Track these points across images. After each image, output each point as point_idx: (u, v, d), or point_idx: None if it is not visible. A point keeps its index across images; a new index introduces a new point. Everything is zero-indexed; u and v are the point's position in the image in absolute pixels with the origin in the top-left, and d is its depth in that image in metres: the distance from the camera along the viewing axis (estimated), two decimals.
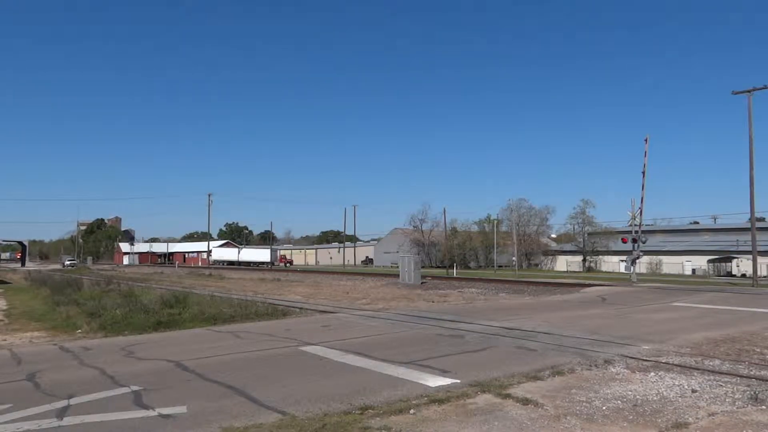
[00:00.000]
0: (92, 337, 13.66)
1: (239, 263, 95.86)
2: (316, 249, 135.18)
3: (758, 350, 10.53)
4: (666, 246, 74.75)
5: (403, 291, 30.54)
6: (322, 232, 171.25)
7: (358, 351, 10.56)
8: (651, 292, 26.72)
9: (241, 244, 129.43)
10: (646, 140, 35.59)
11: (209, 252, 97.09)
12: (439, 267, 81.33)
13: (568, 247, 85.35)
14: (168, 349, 11.33)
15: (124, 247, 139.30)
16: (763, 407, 6.63)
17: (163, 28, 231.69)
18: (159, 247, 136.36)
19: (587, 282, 36.09)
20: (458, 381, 7.99)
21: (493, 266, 74.02)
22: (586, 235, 79.80)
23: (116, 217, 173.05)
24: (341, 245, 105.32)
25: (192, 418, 6.36)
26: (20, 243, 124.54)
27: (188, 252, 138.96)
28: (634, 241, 35.63)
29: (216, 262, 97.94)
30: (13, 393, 7.72)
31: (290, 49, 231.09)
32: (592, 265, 77.43)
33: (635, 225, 35.96)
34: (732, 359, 9.62)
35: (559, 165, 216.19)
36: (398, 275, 39.00)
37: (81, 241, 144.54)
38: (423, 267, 51.78)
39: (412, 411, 6.51)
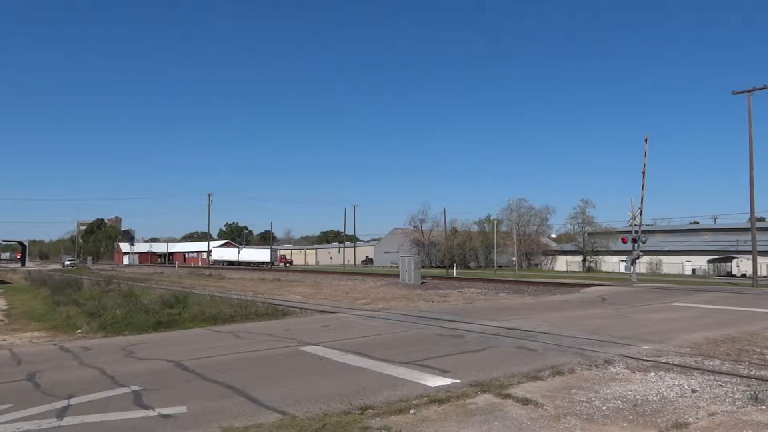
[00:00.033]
0: (92, 337, 13.66)
1: (239, 263, 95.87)
2: (316, 249, 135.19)
3: (758, 350, 10.53)
4: (666, 246, 74.75)
5: (403, 291, 30.54)
6: (322, 232, 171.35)
7: (358, 351, 10.56)
8: (651, 292, 26.72)
9: (241, 244, 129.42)
10: (646, 140, 35.61)
11: (209, 252, 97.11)
12: (439, 267, 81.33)
13: (568, 247, 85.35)
14: (168, 349, 11.33)
15: (124, 247, 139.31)
16: (763, 407, 6.63)
17: (163, 28, 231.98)
18: (159, 247, 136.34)
19: (587, 282, 36.08)
20: (458, 381, 7.99)
21: (493, 266, 74.02)
22: (586, 235, 79.81)
23: (116, 217, 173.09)
24: (341, 245, 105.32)
25: (192, 418, 6.37)
26: (20, 243, 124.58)
27: (188, 252, 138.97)
28: (634, 241, 35.63)
29: (216, 262, 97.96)
30: (13, 393, 7.72)
31: (290, 49, 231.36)
32: (592, 265, 77.43)
33: (635, 225, 35.96)
34: (732, 359, 9.62)
35: (559, 165, 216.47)
36: (398, 275, 39.00)
37: (81, 241, 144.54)
38: (423, 267, 51.78)
39: (412, 411, 6.51)
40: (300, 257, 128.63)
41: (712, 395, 7.20)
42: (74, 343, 12.50)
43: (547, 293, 28.22)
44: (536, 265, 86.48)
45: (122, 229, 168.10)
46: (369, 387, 7.72)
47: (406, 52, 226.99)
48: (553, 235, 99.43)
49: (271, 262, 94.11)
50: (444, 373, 8.56)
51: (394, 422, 6.09)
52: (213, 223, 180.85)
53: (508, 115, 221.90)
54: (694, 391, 7.40)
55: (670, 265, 69.57)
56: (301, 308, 20.08)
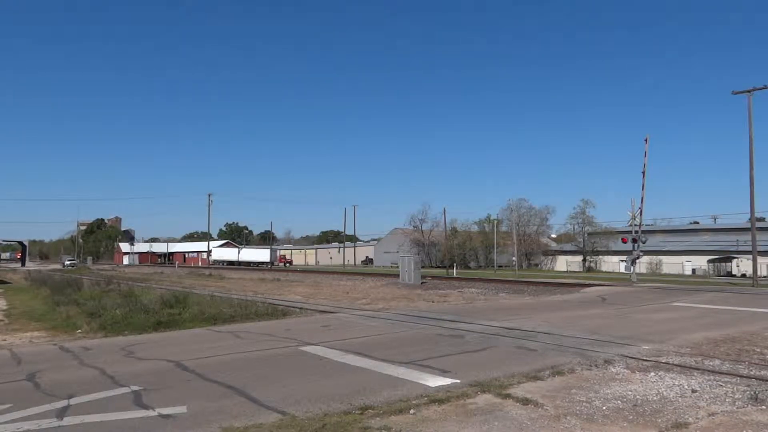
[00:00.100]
0: (92, 337, 13.66)
1: (239, 263, 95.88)
2: (316, 249, 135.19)
3: (758, 350, 10.53)
4: (666, 246, 74.75)
5: (403, 291, 30.54)
6: (322, 232, 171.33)
7: (358, 351, 10.56)
8: (651, 292, 26.72)
9: (241, 244, 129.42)
10: (646, 140, 35.61)
11: (209, 252, 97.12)
12: (439, 267, 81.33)
13: (568, 247, 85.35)
14: (168, 349, 11.33)
15: (124, 247, 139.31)
16: (763, 407, 6.63)
17: (163, 28, 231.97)
18: (159, 247, 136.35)
19: (587, 282, 36.08)
20: (458, 381, 7.99)
21: (493, 266, 74.02)
22: (586, 235, 79.81)
23: (116, 217, 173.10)
24: (341, 245, 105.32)
25: (192, 418, 6.37)
26: (20, 243, 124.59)
27: (188, 252, 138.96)
28: (634, 241, 35.63)
29: (216, 262, 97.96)
30: (13, 393, 7.72)
31: (290, 49, 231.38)
32: (592, 265, 77.43)
33: (635, 225, 35.96)
34: (732, 359, 9.62)
35: (559, 165, 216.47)
36: (398, 275, 39.00)
37: (81, 241, 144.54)
38: (423, 267, 51.77)
39: (412, 411, 6.51)
40: (300, 257, 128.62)
41: (712, 395, 7.20)
42: (74, 343, 12.50)
43: (547, 293, 28.22)
44: (536, 265, 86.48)
45: (122, 229, 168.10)
46: (369, 387, 7.72)
47: (406, 52, 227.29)
48: (553, 235, 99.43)
49: (271, 262, 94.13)
50: (444, 373, 8.56)
51: (394, 422, 6.09)
52: (213, 223, 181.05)
53: (508, 115, 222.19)
54: (694, 391, 7.40)
55: (670, 265, 69.57)
56: (301, 308, 20.08)
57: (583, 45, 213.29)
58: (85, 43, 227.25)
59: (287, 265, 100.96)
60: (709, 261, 67.86)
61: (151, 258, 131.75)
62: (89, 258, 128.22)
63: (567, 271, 71.48)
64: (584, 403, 6.82)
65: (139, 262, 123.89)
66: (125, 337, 13.45)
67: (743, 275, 56.53)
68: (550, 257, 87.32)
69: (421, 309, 19.63)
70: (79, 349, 11.59)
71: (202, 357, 10.24)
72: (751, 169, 33.95)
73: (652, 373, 8.47)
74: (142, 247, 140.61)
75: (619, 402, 6.90)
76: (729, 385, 7.70)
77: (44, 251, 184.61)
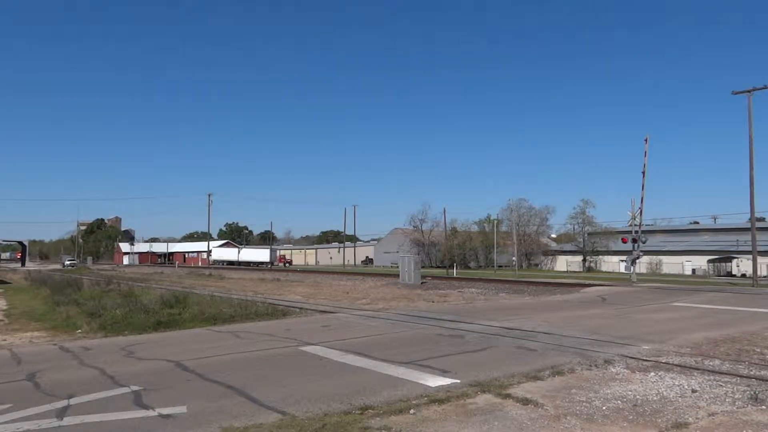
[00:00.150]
0: (92, 337, 13.65)
1: (239, 263, 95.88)
2: (316, 249, 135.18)
3: (758, 350, 10.54)
4: (666, 246, 74.76)
5: (403, 291, 30.54)
6: (322, 232, 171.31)
7: (358, 351, 10.56)
8: (651, 292, 26.72)
9: (241, 244, 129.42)
10: (646, 140, 35.62)
11: (209, 252, 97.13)
12: (439, 267, 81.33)
13: (568, 247, 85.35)
14: (168, 349, 11.33)
15: (124, 247, 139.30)
16: (763, 407, 6.63)
17: (163, 28, 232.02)
18: (159, 247, 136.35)
19: (587, 282, 36.08)
20: (458, 381, 7.99)
21: (493, 266, 74.02)
22: (586, 235, 79.81)
23: (116, 217, 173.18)
24: (341, 245, 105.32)
25: (192, 418, 6.37)
26: (20, 243, 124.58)
27: (188, 252, 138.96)
28: (634, 241, 35.63)
29: (216, 262, 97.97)
30: (13, 393, 7.72)
31: (290, 49, 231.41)
32: (592, 265, 77.43)
33: (635, 225, 35.97)
34: (732, 359, 9.62)
35: (559, 165, 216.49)
36: (398, 275, 39.00)
37: (81, 241, 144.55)
38: (423, 267, 51.78)
39: (412, 411, 6.51)
40: (300, 257, 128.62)
41: (712, 395, 7.20)
42: (74, 343, 12.50)
43: (547, 293, 28.22)
44: (536, 265, 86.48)
45: (122, 229, 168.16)
46: (369, 387, 7.72)
47: (406, 52, 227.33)
48: (553, 235, 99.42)
49: (271, 262, 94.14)
50: (444, 373, 8.56)
51: (394, 422, 6.09)
52: (213, 223, 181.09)
53: (508, 115, 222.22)
54: (694, 391, 7.40)
55: (670, 265, 69.58)
56: (301, 308, 20.08)
57: (583, 45, 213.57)
58: (85, 43, 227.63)
59: (287, 265, 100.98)
60: (709, 261, 67.86)
61: (151, 258, 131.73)
62: (89, 258, 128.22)
63: (567, 271, 71.48)
64: (584, 403, 6.82)
65: (139, 262, 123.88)
66: (125, 337, 13.44)
67: (743, 275, 56.53)
68: (550, 257, 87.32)
69: (421, 309, 19.63)
70: (79, 349, 11.59)
71: (202, 357, 10.24)
72: (751, 169, 33.96)
73: (652, 373, 8.47)
74: (142, 247, 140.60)
75: (619, 402, 6.90)
76: (729, 385, 7.70)
77: (44, 251, 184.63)
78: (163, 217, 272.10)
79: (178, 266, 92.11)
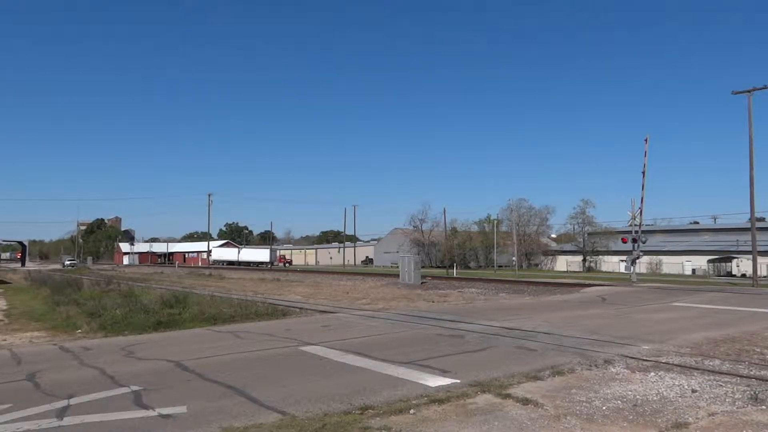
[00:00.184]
0: (92, 337, 13.65)
1: (239, 263, 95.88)
2: (316, 249, 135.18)
3: (758, 350, 10.54)
4: (666, 246, 74.75)
5: (403, 291, 30.54)
6: (322, 232, 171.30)
7: (358, 351, 10.56)
8: (651, 292, 26.72)
9: (241, 244, 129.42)
10: (646, 140, 35.61)
11: (209, 252, 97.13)
12: (439, 267, 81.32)
13: (568, 247, 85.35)
14: (168, 349, 11.33)
15: (124, 247, 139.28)
16: (763, 407, 6.63)
17: (163, 28, 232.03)
18: (159, 247, 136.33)
19: (587, 282, 36.08)
20: (458, 381, 7.99)
21: (493, 266, 74.01)
22: (586, 235, 79.80)
23: (116, 217, 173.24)
24: (341, 245, 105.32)
25: (192, 418, 6.36)
26: (20, 243, 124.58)
27: (188, 252, 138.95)
28: (634, 241, 35.63)
29: (216, 262, 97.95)
30: (13, 393, 7.72)
31: (290, 49, 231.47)
32: (592, 265, 77.43)
33: (635, 225, 35.96)
34: (732, 359, 9.62)
35: (559, 165, 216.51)
36: (398, 275, 39.00)
37: (81, 241, 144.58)
38: (423, 267, 51.77)
39: (412, 411, 6.51)
40: (300, 257, 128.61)
41: (712, 395, 7.20)
42: (74, 343, 12.50)
43: (547, 293, 28.21)
44: (536, 265, 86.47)
45: (122, 229, 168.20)
46: (369, 387, 7.72)
47: (406, 52, 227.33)
48: (553, 235, 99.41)
49: (271, 262, 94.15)
50: (444, 373, 8.56)
51: (394, 422, 6.09)
52: (213, 223, 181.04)
53: (508, 115, 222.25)
54: (694, 391, 7.40)
55: (670, 265, 69.57)
56: (301, 308, 20.08)
57: (583, 45, 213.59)
58: (85, 43, 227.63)
59: (287, 265, 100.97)
60: (709, 261, 67.86)
61: (151, 258, 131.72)
62: (89, 258, 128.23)
63: (567, 271, 71.48)
64: (584, 403, 6.82)
65: (139, 262, 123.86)
66: (125, 337, 13.44)
67: (743, 275, 56.53)
68: (550, 257, 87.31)
69: (421, 309, 19.63)
70: (79, 349, 11.59)
71: (202, 357, 10.24)
72: (751, 169, 33.96)
73: (652, 373, 8.47)
74: (142, 247, 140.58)
75: (619, 402, 6.90)
76: (729, 385, 7.70)
77: (44, 251, 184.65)
78: (163, 217, 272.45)
79: (178, 266, 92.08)
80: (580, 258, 78.81)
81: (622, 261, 52.99)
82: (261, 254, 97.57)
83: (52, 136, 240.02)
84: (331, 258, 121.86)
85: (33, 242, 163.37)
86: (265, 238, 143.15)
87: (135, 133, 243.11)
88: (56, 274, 46.86)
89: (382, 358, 9.83)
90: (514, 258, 63.13)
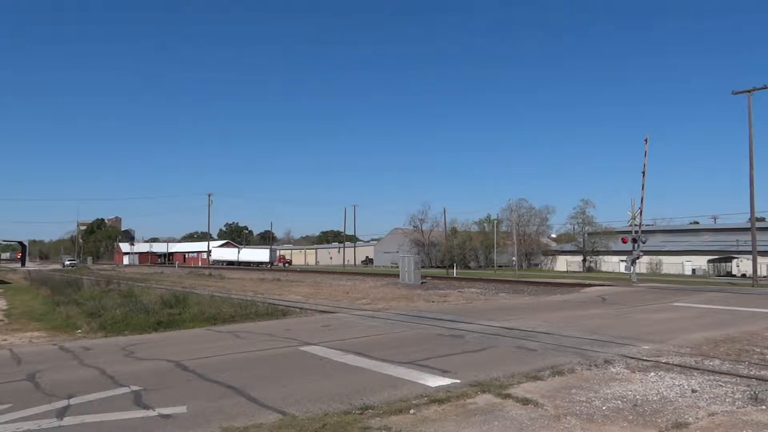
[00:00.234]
0: (92, 337, 13.65)
1: (239, 263, 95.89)
2: (316, 249, 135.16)
3: (758, 350, 10.53)
4: (666, 246, 74.74)
5: (403, 291, 30.53)
6: (322, 232, 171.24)
7: (358, 351, 10.56)
8: (651, 292, 26.71)
9: (241, 244, 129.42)
10: (646, 140, 35.61)
11: (209, 252, 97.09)
12: (439, 267, 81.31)
13: (568, 247, 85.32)
14: (168, 349, 11.33)
15: (124, 247, 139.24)
16: (763, 407, 6.63)
17: (163, 28, 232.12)
18: (159, 247, 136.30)
19: (587, 282, 36.08)
20: (458, 381, 7.99)
21: (493, 266, 74.02)
22: (586, 235, 79.76)
23: (116, 217, 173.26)
24: (341, 245, 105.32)
25: (192, 418, 6.36)
26: (20, 243, 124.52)
27: (188, 252, 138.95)
28: (634, 241, 35.62)
29: (216, 262, 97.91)
30: (13, 393, 7.72)
31: (290, 49, 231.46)
32: (592, 265, 77.42)
33: (635, 225, 35.96)
34: (732, 359, 9.62)
35: (559, 165, 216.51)
36: (398, 275, 38.99)
37: (81, 241, 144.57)
38: (423, 267, 51.78)
39: (412, 411, 6.51)
40: (300, 257, 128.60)
41: (712, 395, 7.20)
42: (74, 343, 12.50)
43: (546, 293, 28.21)
44: (536, 265, 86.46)
45: (122, 229, 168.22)
46: (369, 387, 7.72)
47: (405, 52, 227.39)
48: (553, 235, 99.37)
49: (271, 262, 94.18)
50: (444, 373, 8.56)
51: (394, 422, 6.09)
52: (213, 223, 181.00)
53: (508, 115, 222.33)
54: (694, 391, 7.40)
55: (670, 265, 69.56)
56: (301, 308, 20.08)
57: (582, 45, 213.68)
58: (85, 43, 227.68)
59: (287, 265, 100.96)
60: (709, 261, 67.86)
61: (151, 258, 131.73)
62: (89, 258, 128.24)
63: (567, 271, 71.47)
64: (584, 403, 6.82)
65: (139, 262, 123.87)
66: (125, 337, 13.44)
67: (743, 275, 56.55)
68: (550, 257, 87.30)
69: (421, 309, 19.62)
70: (79, 349, 11.59)
71: (202, 357, 10.24)
72: (751, 169, 33.96)
73: (652, 373, 8.47)
74: (142, 247, 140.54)
75: (619, 402, 6.89)
76: (729, 385, 7.70)
77: (44, 251, 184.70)
78: (163, 217, 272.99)
79: (178, 266, 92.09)
80: (580, 258, 78.79)
81: (622, 261, 52.95)
82: (261, 254, 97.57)
83: (52, 136, 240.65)
84: (331, 258, 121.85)
85: (33, 242, 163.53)
86: (265, 238, 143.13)
87: (135, 133, 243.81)
88: (56, 274, 46.89)
89: (382, 358, 9.83)
90: (514, 258, 63.13)
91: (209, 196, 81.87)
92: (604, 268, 74.69)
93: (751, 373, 8.53)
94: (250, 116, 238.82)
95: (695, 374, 8.45)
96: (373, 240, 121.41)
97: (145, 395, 7.43)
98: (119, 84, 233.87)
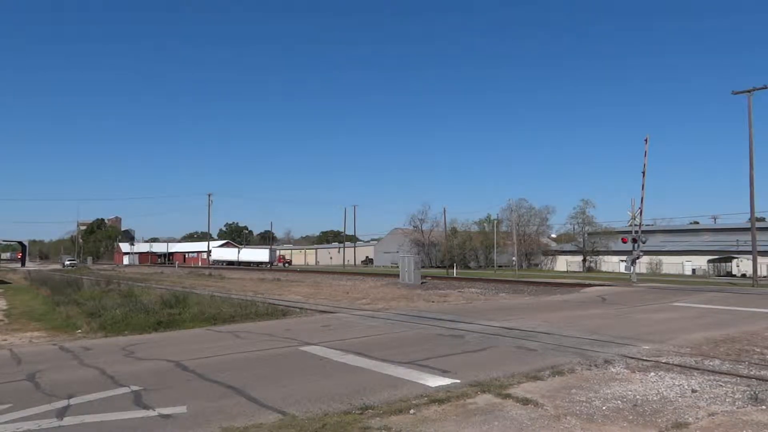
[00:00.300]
0: (92, 337, 13.65)
1: (239, 263, 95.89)
2: (316, 249, 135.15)
3: (758, 350, 10.53)
4: (666, 246, 74.74)
5: (403, 291, 30.53)
6: (322, 232, 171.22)
7: (358, 351, 10.56)
8: (651, 292, 26.71)
9: (241, 244, 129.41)
10: (646, 140, 35.61)
11: (209, 252, 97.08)
12: (439, 267, 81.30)
13: (568, 247, 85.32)
14: (168, 349, 11.33)
15: (124, 247, 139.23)
16: (763, 407, 6.63)
17: (163, 28, 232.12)
18: (159, 247, 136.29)
19: (587, 282, 36.08)
20: (458, 381, 7.99)
21: (493, 266, 74.01)
22: (586, 235, 79.77)
23: (116, 217, 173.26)
24: (341, 245, 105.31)
25: (192, 418, 6.36)
26: (20, 243, 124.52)
27: (188, 252, 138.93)
28: (634, 241, 35.62)
29: (216, 262, 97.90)
30: (13, 393, 7.71)
31: (290, 49, 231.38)
32: (592, 265, 77.42)
33: (635, 225, 35.95)
34: (732, 359, 9.62)
35: (559, 165, 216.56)
36: (398, 275, 38.99)
37: (81, 241, 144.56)
38: (423, 267, 51.78)
39: (412, 411, 6.50)
40: (300, 257, 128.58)
41: (712, 395, 7.20)
42: (74, 343, 12.50)
43: (546, 293, 28.21)
44: (536, 265, 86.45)
45: (122, 229, 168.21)
46: (369, 387, 7.72)
47: (406, 52, 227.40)
48: (553, 235, 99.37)
49: (271, 262, 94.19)
50: (444, 373, 8.56)
51: (394, 422, 6.09)
52: (213, 223, 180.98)
53: (508, 115, 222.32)
54: (694, 391, 7.40)
55: (670, 265, 69.56)
56: (301, 308, 20.08)
57: (582, 45, 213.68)
58: (85, 43, 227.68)
59: (287, 265, 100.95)
60: (709, 261, 67.86)
61: (151, 258, 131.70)
62: (89, 258, 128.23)
63: (567, 271, 71.47)
64: (584, 403, 6.82)
65: (139, 262, 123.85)
66: (125, 337, 13.44)
67: (743, 275, 56.56)
68: (550, 257, 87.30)
69: (421, 309, 19.62)
70: (79, 349, 11.59)
71: (202, 357, 10.24)
72: (751, 169, 33.96)
73: (652, 373, 8.47)
74: (142, 247, 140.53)
75: (619, 402, 6.89)
76: (729, 385, 7.70)
77: (44, 251, 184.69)
78: (163, 217, 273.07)
79: (178, 266, 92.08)
80: (580, 258, 78.79)
81: (622, 261, 52.93)
82: (261, 254, 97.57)
83: (52, 136, 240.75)
84: (331, 258, 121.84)
85: (33, 242, 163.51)
86: (265, 238, 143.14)
87: (135, 133, 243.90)
88: (56, 274, 46.90)
89: (382, 358, 9.83)
90: (514, 258, 63.12)
91: (209, 196, 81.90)
92: (604, 268, 74.69)
93: (751, 373, 8.53)
94: (250, 116, 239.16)
95: (695, 374, 8.45)
96: (373, 240, 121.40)
97: (145, 395, 7.43)
98: (119, 84, 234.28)
